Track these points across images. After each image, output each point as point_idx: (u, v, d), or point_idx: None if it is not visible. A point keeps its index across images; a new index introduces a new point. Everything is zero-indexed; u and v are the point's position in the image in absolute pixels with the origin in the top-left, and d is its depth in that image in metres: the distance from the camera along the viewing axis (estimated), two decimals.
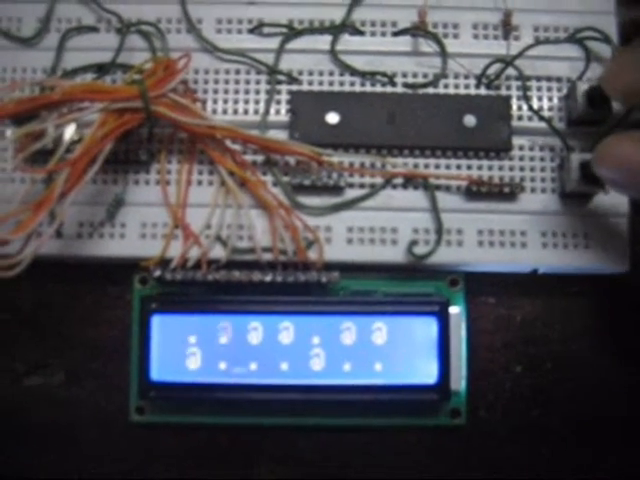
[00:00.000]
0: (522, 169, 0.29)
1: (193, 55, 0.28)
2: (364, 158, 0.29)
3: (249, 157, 0.29)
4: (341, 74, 0.30)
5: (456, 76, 0.30)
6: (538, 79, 0.30)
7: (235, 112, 0.29)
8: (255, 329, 0.28)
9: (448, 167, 0.29)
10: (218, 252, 0.28)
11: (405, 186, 0.29)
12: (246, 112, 0.29)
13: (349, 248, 0.29)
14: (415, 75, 0.30)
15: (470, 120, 0.29)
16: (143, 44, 0.30)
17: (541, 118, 0.29)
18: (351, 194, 0.29)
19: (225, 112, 0.29)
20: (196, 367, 0.28)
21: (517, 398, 0.30)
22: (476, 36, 0.30)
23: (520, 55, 0.29)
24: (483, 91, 0.30)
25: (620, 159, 0.25)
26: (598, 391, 0.30)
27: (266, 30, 0.30)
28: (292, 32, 0.30)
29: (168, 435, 0.29)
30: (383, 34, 0.30)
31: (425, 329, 0.28)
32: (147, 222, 0.29)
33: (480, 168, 0.29)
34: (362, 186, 0.29)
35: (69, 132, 0.28)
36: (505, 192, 0.29)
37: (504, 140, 0.29)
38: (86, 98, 0.27)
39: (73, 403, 0.30)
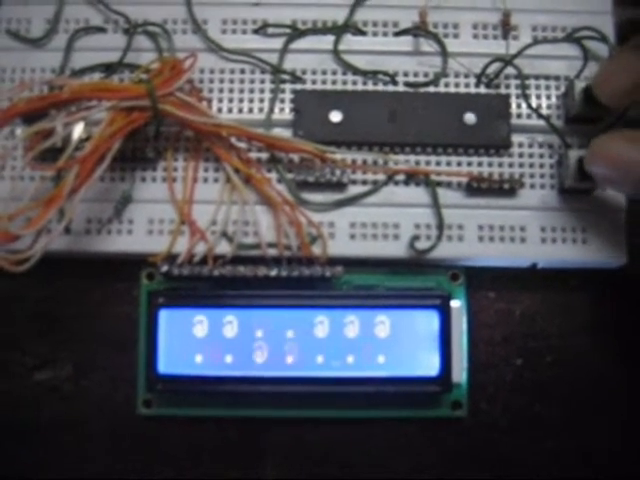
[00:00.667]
0: (521, 166, 0.30)
1: (199, 55, 0.29)
2: (366, 155, 0.29)
3: (254, 154, 0.29)
4: (344, 73, 0.30)
5: (456, 75, 0.30)
6: (537, 78, 0.30)
7: (240, 111, 0.30)
8: (260, 323, 0.28)
9: (449, 164, 0.30)
10: (224, 248, 0.29)
11: (407, 183, 0.29)
12: (251, 111, 0.30)
13: (352, 243, 0.29)
14: (416, 74, 0.30)
15: (470, 118, 0.29)
16: (150, 44, 0.30)
17: (540, 116, 0.29)
18: (354, 190, 0.29)
19: (230, 111, 0.30)
20: (202, 360, 0.28)
21: (517, 390, 0.30)
22: (476, 36, 0.31)
23: (519, 54, 0.30)
24: (483, 90, 0.30)
25: (611, 157, 0.25)
26: (597, 384, 0.30)
27: (270, 30, 0.31)
28: (296, 32, 0.30)
29: (175, 428, 0.30)
30: (385, 34, 0.31)
31: (427, 322, 0.28)
32: (154, 218, 0.29)
33: (480, 165, 0.30)
34: (365, 183, 0.29)
35: (78, 130, 0.28)
36: (505, 188, 0.29)
37: (503, 137, 0.29)
38: (94, 97, 0.27)
39: (81, 397, 0.30)
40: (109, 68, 0.30)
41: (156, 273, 0.29)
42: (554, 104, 0.30)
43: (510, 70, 0.30)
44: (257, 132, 0.29)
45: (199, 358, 0.28)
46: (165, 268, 0.28)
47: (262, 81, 0.30)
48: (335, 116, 0.29)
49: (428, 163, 0.30)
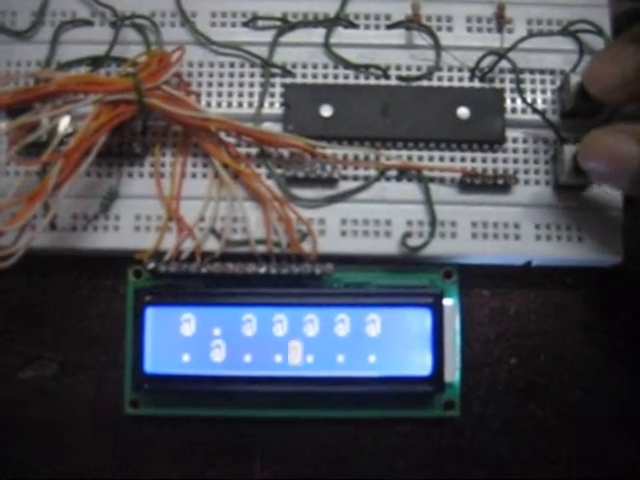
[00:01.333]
0: (516, 161, 0.29)
1: (187, 48, 0.28)
2: (358, 150, 0.29)
3: (243, 149, 0.29)
4: (335, 67, 0.30)
5: (450, 69, 0.30)
6: (531, 72, 0.30)
7: (229, 105, 0.29)
8: (249, 321, 0.28)
9: (442, 159, 0.29)
10: (212, 244, 0.28)
11: (399, 178, 0.29)
12: (240, 105, 0.29)
13: (343, 240, 0.29)
14: (409, 68, 0.30)
15: (464, 112, 0.29)
16: (137, 37, 0.30)
17: (534, 110, 0.29)
18: (345, 186, 0.29)
19: (219, 105, 0.29)
20: (190, 359, 0.28)
21: (511, 390, 0.30)
22: (470, 29, 0.30)
23: (513, 48, 0.29)
24: (477, 84, 0.30)
25: (604, 152, 0.25)
26: (592, 382, 0.30)
27: (260, 23, 0.30)
28: (286, 25, 0.30)
29: (162, 428, 0.29)
30: (377, 27, 0.30)
31: (419, 321, 0.28)
32: (141, 215, 0.29)
33: (474, 160, 0.29)
34: (356, 178, 0.29)
35: (63, 124, 0.28)
36: (499, 184, 0.29)
37: (498, 132, 0.29)
38: (80, 90, 0.27)
39: (67, 396, 0.30)
40: (96, 61, 0.30)
41: (143, 270, 0.29)
42: (549, 98, 0.30)
43: (504, 64, 0.29)
44: (246, 127, 0.28)
45: (186, 357, 0.28)
46: (152, 265, 0.28)
47: (252, 75, 0.30)
48: (326, 110, 0.29)
49: (421, 158, 0.29)
